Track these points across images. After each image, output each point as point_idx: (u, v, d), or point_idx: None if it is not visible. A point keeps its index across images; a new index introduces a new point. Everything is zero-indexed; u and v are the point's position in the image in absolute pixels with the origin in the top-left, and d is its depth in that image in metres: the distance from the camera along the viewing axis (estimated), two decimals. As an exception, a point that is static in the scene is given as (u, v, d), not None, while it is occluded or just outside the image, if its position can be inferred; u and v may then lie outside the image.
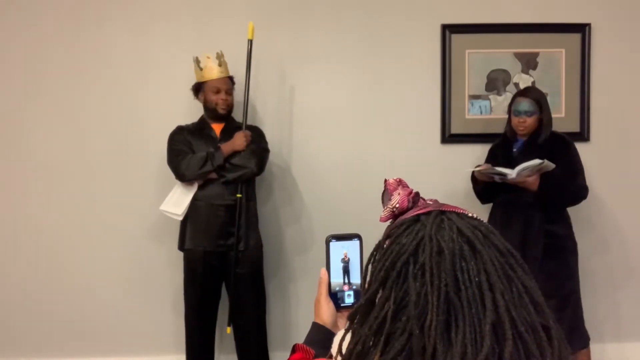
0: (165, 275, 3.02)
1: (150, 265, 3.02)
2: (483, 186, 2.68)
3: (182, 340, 2.77)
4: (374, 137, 3.02)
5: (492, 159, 2.73)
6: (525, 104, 2.54)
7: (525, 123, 2.56)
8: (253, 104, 2.98)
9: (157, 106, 2.97)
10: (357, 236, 1.04)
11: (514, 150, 2.65)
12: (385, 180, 0.87)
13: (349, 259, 1.03)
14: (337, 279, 1.03)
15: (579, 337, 2.59)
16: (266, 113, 2.99)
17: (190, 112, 2.97)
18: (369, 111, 3.01)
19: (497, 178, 2.54)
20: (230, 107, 2.72)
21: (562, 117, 3.02)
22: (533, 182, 2.48)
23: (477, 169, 2.59)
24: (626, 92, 3.00)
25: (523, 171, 2.43)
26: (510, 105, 2.64)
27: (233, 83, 2.75)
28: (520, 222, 2.57)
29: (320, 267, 1.02)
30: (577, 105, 3.02)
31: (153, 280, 3.03)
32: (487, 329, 0.62)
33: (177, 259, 2.95)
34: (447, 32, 2.98)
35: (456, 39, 2.99)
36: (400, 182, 0.84)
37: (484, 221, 0.73)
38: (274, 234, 3.01)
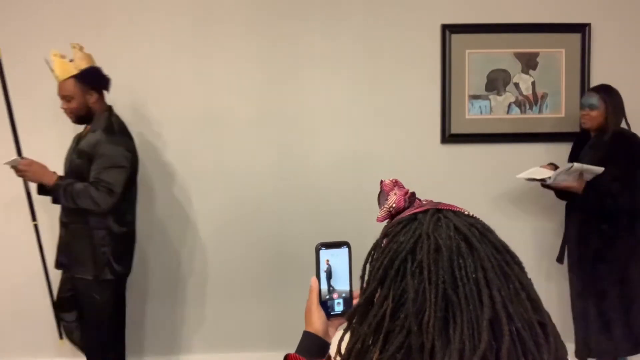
0: (166, 274, 3.02)
1: (151, 264, 3.02)
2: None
3: (182, 339, 2.78)
4: (373, 137, 3.02)
5: (570, 154, 2.78)
6: (589, 98, 2.59)
7: (587, 116, 2.58)
8: (252, 104, 2.99)
9: (157, 105, 2.97)
10: (346, 244, 1.04)
11: (586, 145, 2.67)
12: (381, 182, 0.87)
13: (330, 267, 1.03)
14: (327, 287, 1.03)
15: (625, 342, 2.54)
16: (265, 114, 3.00)
17: (190, 111, 2.98)
18: (369, 111, 3.02)
19: (544, 182, 2.57)
20: (74, 113, 2.47)
21: (562, 117, 3.02)
22: (578, 186, 2.49)
23: (523, 176, 2.64)
24: (626, 92, 2.98)
25: (559, 176, 2.45)
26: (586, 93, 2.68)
27: (83, 82, 2.44)
28: (577, 221, 2.64)
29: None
30: (577, 105, 3.02)
31: (153, 279, 3.03)
32: (485, 325, 0.63)
33: (177, 258, 2.96)
34: (447, 32, 2.99)
35: (456, 39, 2.99)
36: (396, 183, 0.85)
37: (480, 219, 0.74)
38: (273, 232, 3.01)
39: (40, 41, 2.94)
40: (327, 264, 1.03)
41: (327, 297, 1.03)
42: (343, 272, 1.03)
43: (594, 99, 2.55)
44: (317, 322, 1.00)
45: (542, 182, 2.55)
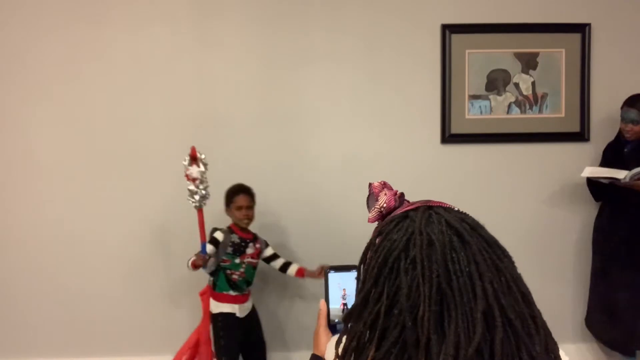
0: (167, 274, 3.03)
1: (152, 264, 3.03)
2: (595, 187, 2.82)
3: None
4: (374, 137, 3.03)
5: (603, 158, 2.86)
6: (630, 114, 2.67)
7: (632, 131, 2.68)
8: (251, 102, 3.00)
9: (157, 106, 2.99)
10: (356, 267, 1.05)
11: (625, 150, 2.74)
12: (370, 184, 0.88)
13: (347, 294, 1.04)
14: (335, 310, 1.04)
15: None
16: (266, 113, 3.00)
17: (189, 109, 2.99)
18: (369, 111, 3.02)
19: (604, 181, 2.65)
20: None
21: (562, 117, 3.02)
22: None
23: (588, 174, 2.71)
24: (626, 92, 2.98)
25: (635, 175, 2.52)
26: (621, 107, 2.73)
27: None
28: (626, 224, 2.72)
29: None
30: (577, 105, 3.02)
31: (155, 279, 3.04)
32: (479, 317, 0.63)
33: (178, 258, 2.97)
34: (447, 32, 2.99)
35: (456, 39, 2.99)
36: (384, 185, 0.86)
37: (470, 215, 0.75)
38: (273, 231, 3.01)
39: (40, 35, 2.96)
40: (344, 292, 1.04)
41: (336, 320, 1.03)
42: (353, 296, 1.05)
43: (636, 115, 2.64)
44: (325, 345, 0.98)
45: (615, 181, 2.60)
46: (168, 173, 2.99)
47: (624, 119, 2.71)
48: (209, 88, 2.99)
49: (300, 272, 2.75)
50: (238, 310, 2.65)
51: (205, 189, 2.51)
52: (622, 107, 2.72)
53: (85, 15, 2.95)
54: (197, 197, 2.49)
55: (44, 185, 3.00)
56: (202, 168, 2.48)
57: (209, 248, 2.59)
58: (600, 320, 2.85)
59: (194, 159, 2.47)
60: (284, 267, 2.78)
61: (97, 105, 2.98)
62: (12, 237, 3.02)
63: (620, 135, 2.80)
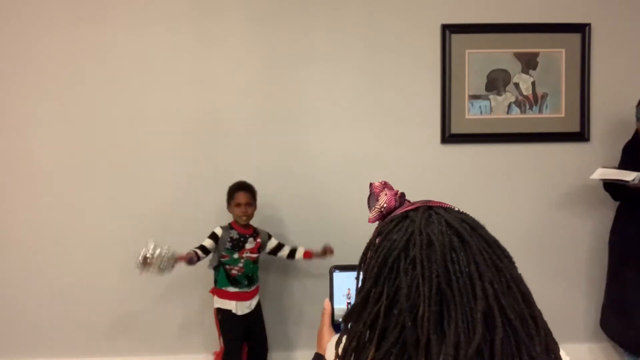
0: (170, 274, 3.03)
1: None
2: (611, 187, 2.79)
3: (185, 339, 2.79)
4: (373, 137, 3.03)
5: (622, 157, 2.83)
6: None
7: None
8: (251, 102, 3.00)
9: (157, 105, 2.98)
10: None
11: None
12: (371, 184, 0.88)
13: (351, 294, 1.04)
14: (340, 309, 1.03)
15: None
16: (266, 113, 3.00)
17: (189, 109, 2.99)
18: (369, 111, 3.02)
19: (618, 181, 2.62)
20: None
21: (562, 117, 3.02)
22: None
23: (598, 176, 2.67)
24: (626, 92, 2.99)
25: None
26: (637, 106, 2.70)
27: None
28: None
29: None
30: (577, 105, 3.02)
31: (154, 279, 3.04)
32: (479, 317, 0.63)
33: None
34: (447, 32, 2.99)
35: (456, 39, 2.99)
36: (385, 185, 0.86)
37: (470, 215, 0.75)
38: (273, 231, 3.01)
39: (40, 35, 2.96)
40: (349, 292, 1.03)
41: (340, 320, 1.02)
42: None
43: None
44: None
45: (625, 182, 2.58)
46: (168, 173, 2.99)
47: (638, 118, 2.69)
48: (209, 88, 2.99)
49: (308, 254, 2.80)
50: (235, 307, 2.68)
51: (166, 266, 2.44)
52: (637, 106, 2.70)
53: (85, 15, 2.95)
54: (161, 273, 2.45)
55: (44, 185, 3.00)
56: (155, 267, 2.41)
57: (209, 243, 2.67)
58: (615, 322, 2.83)
59: (145, 263, 2.41)
60: (292, 254, 2.82)
61: (97, 105, 2.98)
62: (12, 237, 3.02)
63: (637, 134, 2.78)
